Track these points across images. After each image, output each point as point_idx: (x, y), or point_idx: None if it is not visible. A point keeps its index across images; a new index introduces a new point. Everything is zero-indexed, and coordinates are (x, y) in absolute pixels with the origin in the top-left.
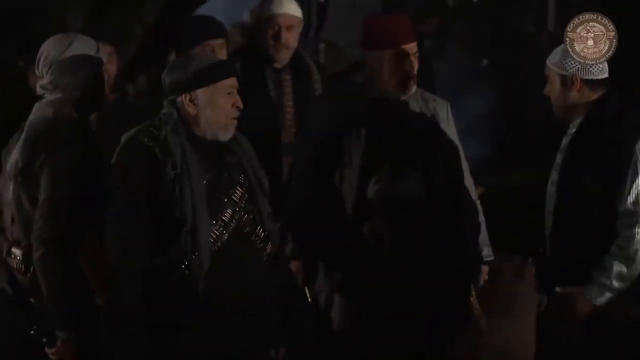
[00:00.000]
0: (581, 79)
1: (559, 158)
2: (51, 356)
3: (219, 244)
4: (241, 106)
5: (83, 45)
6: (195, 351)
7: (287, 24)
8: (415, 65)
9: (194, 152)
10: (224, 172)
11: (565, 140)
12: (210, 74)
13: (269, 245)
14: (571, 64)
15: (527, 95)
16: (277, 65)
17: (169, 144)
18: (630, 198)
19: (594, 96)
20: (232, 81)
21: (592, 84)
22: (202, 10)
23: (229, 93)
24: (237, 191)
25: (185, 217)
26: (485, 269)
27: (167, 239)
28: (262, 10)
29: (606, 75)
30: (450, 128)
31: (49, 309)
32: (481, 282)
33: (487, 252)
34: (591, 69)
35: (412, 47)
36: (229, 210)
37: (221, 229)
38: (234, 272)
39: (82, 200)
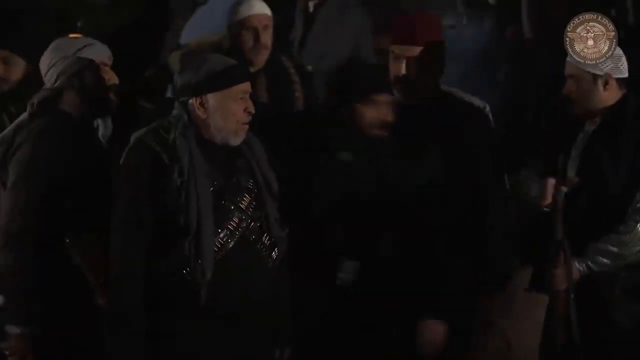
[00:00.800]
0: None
1: (574, 154)
2: (5, 352)
3: (223, 252)
4: (253, 111)
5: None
6: (195, 353)
7: (262, 23)
8: (406, 67)
9: (203, 156)
10: (233, 177)
11: (581, 137)
12: (222, 79)
13: (275, 252)
14: (605, 63)
15: (526, 93)
16: (251, 69)
17: (177, 149)
18: None
19: (619, 95)
20: (245, 86)
21: (620, 83)
22: (202, 11)
23: (241, 98)
24: (244, 198)
25: (189, 224)
26: None
27: (170, 243)
28: (234, 14)
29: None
30: None
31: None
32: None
33: None
34: (621, 68)
35: (405, 49)
36: (235, 219)
37: (226, 237)
38: (237, 280)
39: (65, 198)
